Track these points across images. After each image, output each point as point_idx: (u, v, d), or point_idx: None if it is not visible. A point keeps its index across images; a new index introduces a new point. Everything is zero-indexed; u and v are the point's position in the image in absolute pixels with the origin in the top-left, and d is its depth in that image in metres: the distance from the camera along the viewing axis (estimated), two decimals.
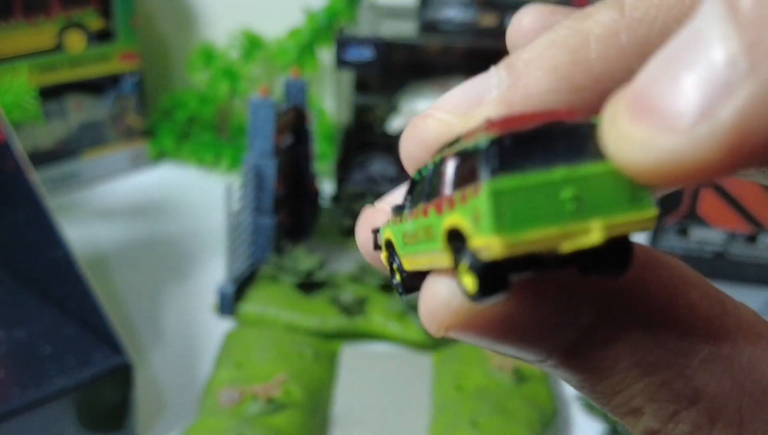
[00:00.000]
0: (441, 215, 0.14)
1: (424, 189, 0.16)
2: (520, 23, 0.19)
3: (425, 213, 0.15)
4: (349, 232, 0.79)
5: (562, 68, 0.15)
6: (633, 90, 0.13)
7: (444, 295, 0.16)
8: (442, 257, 0.15)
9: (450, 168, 0.15)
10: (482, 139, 0.13)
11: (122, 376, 0.52)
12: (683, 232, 0.75)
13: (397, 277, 0.18)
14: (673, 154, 0.12)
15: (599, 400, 0.16)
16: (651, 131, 0.12)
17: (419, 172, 0.17)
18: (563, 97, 0.15)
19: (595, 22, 0.16)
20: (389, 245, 0.18)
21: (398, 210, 0.18)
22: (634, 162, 0.12)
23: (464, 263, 0.13)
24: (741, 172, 0.14)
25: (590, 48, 0.15)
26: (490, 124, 0.14)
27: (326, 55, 0.94)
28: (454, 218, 0.14)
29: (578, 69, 0.15)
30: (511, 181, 0.13)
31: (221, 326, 0.67)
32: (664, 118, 0.12)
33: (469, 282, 0.13)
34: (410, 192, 0.17)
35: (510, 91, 0.16)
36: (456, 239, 0.14)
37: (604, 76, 0.15)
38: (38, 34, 0.83)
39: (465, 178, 0.14)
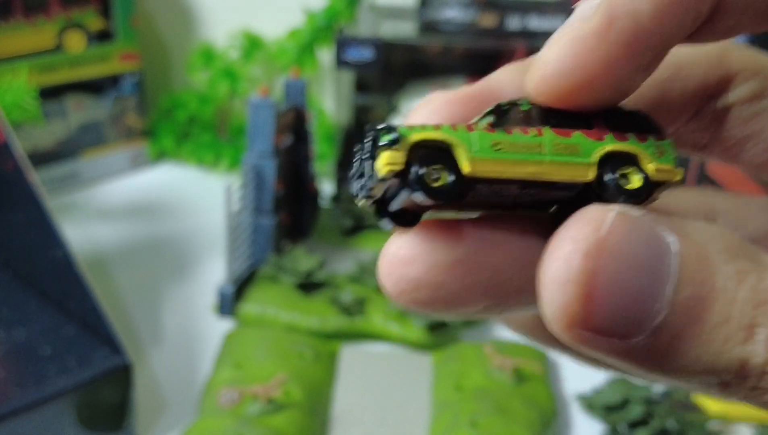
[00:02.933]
0: (601, 141, 0.18)
1: (534, 116, 0.18)
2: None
3: (567, 134, 0.18)
4: (349, 233, 0.79)
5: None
6: None
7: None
8: (580, 171, 0.18)
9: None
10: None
11: (122, 376, 0.52)
12: None
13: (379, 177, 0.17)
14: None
15: None
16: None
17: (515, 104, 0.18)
18: None
19: None
20: (421, 147, 0.17)
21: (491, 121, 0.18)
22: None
23: (636, 177, 0.18)
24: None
25: None
26: None
27: (326, 55, 0.94)
28: (625, 147, 0.18)
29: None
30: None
31: (221, 326, 0.67)
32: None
33: (638, 182, 0.18)
34: (501, 114, 0.18)
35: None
36: (608, 163, 0.18)
37: None
38: (38, 34, 0.83)
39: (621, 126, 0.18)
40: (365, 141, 0.18)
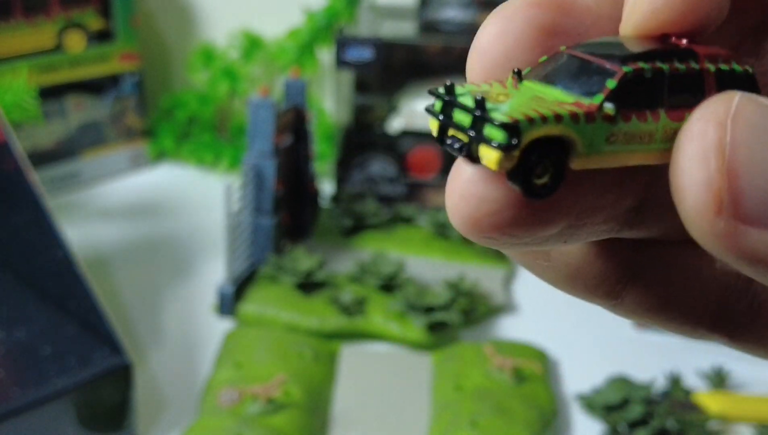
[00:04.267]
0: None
1: (653, 93, 0.16)
2: (479, 42, 0.17)
3: (680, 117, 0.16)
4: (349, 233, 0.79)
5: None
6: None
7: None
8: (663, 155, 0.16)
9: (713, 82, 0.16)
10: (738, 69, 0.16)
11: (122, 376, 0.52)
12: None
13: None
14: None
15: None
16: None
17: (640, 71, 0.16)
18: None
19: None
20: (552, 142, 0.15)
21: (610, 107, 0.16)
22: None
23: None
24: None
25: None
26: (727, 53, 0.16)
27: (326, 55, 0.94)
28: None
29: None
30: None
31: (221, 326, 0.67)
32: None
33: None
34: (628, 92, 0.16)
35: None
36: None
37: None
38: (38, 34, 0.83)
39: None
40: (461, 98, 0.15)
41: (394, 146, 0.87)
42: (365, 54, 0.81)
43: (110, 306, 0.57)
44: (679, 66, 0.16)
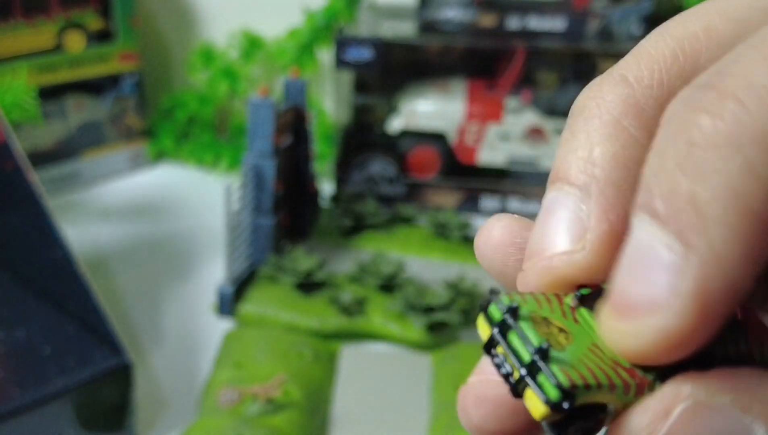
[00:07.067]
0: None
1: None
2: (491, 234, 0.19)
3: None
4: (349, 233, 0.79)
5: (620, 156, 0.17)
6: (613, 298, 0.15)
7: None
8: None
9: None
10: None
11: (122, 376, 0.52)
12: None
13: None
14: (661, 330, 0.14)
15: None
16: (635, 323, 0.14)
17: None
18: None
19: (608, 108, 0.17)
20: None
21: None
22: (636, 348, 0.15)
23: None
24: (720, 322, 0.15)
25: (627, 128, 0.17)
26: None
27: (326, 55, 0.94)
28: None
29: (630, 148, 0.17)
30: None
31: (221, 326, 0.67)
32: (644, 309, 0.14)
33: None
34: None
35: (602, 215, 0.16)
36: None
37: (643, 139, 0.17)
38: (38, 35, 0.83)
39: None
40: (524, 327, 0.15)
41: (394, 146, 0.87)
42: (365, 54, 0.81)
43: (110, 306, 0.57)
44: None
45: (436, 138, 0.86)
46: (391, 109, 0.89)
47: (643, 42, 0.17)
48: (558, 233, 0.17)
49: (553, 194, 0.17)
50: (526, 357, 0.15)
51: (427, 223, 0.81)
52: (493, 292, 0.16)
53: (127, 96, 0.92)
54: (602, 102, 0.17)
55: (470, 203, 0.87)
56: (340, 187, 0.88)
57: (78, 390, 0.49)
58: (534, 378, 0.15)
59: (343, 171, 0.88)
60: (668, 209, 0.14)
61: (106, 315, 0.52)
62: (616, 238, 0.16)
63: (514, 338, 0.15)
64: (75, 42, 0.86)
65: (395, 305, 0.66)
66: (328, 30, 0.90)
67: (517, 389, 0.15)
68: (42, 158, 0.86)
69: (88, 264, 0.56)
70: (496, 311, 0.16)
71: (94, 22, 0.87)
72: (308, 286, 0.69)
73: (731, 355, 0.16)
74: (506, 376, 0.15)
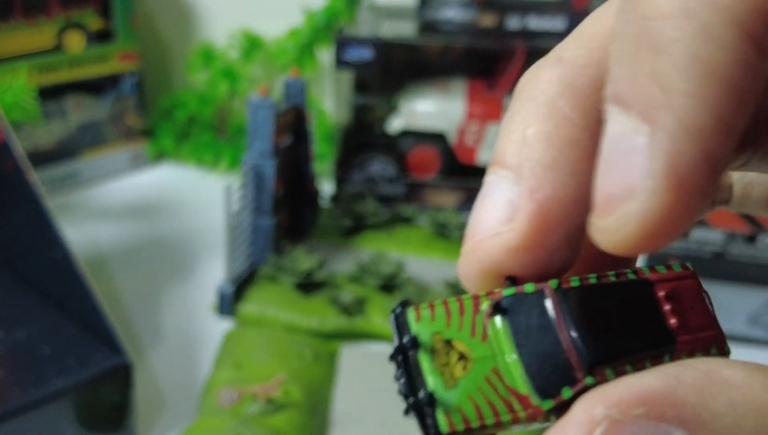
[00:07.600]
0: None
1: None
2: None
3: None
4: (349, 233, 0.79)
5: (553, 136, 0.16)
6: (594, 200, 0.15)
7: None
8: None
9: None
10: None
11: (122, 376, 0.52)
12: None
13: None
14: (640, 215, 0.14)
15: None
16: (616, 215, 0.14)
17: None
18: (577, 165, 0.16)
19: (543, 89, 0.17)
20: None
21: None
22: (621, 241, 0.14)
23: None
24: (703, 207, 0.14)
25: (562, 108, 0.16)
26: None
27: (326, 55, 0.94)
28: None
29: (564, 127, 0.16)
30: None
31: (221, 326, 0.67)
32: (621, 198, 0.14)
33: None
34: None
35: (530, 194, 0.16)
36: None
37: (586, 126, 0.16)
38: (38, 35, 0.83)
39: None
40: (421, 359, 0.16)
41: (394, 146, 0.87)
42: (365, 54, 0.81)
43: (110, 306, 0.57)
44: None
45: (436, 138, 0.86)
46: (391, 109, 0.89)
47: (583, 22, 0.17)
48: (490, 216, 0.16)
49: (489, 178, 0.17)
50: (419, 393, 0.15)
51: (427, 223, 0.81)
52: (405, 304, 0.16)
53: (127, 96, 0.92)
54: (538, 84, 0.17)
55: (470, 203, 0.87)
56: (340, 187, 0.88)
57: (78, 390, 0.49)
58: (421, 413, 0.15)
59: (343, 171, 0.87)
60: (632, 92, 0.13)
61: (106, 315, 0.52)
62: (547, 217, 0.16)
63: (411, 368, 0.16)
64: (75, 42, 0.86)
65: (395, 305, 0.66)
66: (328, 30, 0.90)
67: (407, 409, 0.16)
68: (42, 158, 0.86)
69: (88, 264, 0.56)
70: (403, 328, 0.16)
71: (94, 22, 0.87)
72: (308, 286, 0.69)
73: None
74: (402, 390, 0.16)
